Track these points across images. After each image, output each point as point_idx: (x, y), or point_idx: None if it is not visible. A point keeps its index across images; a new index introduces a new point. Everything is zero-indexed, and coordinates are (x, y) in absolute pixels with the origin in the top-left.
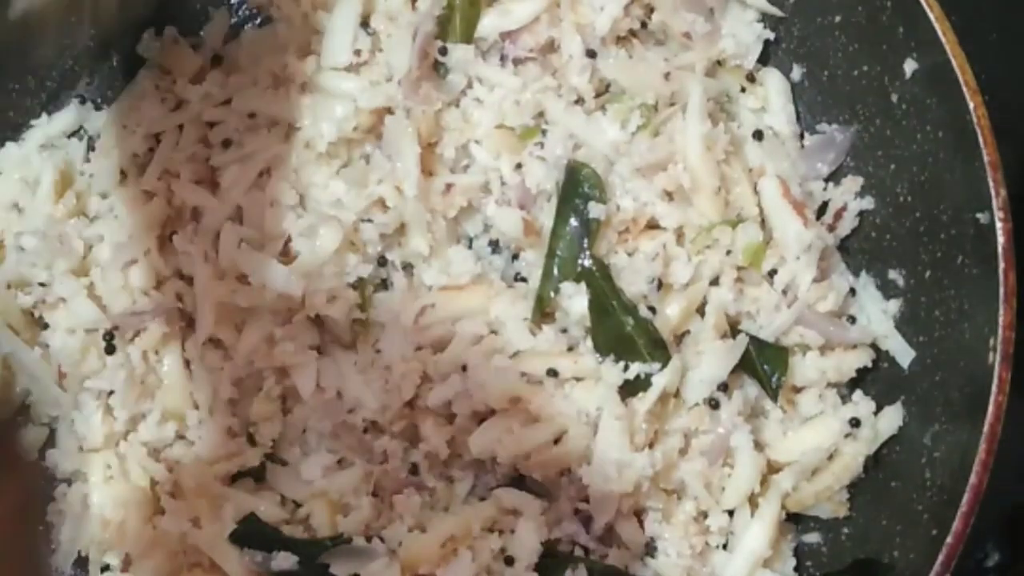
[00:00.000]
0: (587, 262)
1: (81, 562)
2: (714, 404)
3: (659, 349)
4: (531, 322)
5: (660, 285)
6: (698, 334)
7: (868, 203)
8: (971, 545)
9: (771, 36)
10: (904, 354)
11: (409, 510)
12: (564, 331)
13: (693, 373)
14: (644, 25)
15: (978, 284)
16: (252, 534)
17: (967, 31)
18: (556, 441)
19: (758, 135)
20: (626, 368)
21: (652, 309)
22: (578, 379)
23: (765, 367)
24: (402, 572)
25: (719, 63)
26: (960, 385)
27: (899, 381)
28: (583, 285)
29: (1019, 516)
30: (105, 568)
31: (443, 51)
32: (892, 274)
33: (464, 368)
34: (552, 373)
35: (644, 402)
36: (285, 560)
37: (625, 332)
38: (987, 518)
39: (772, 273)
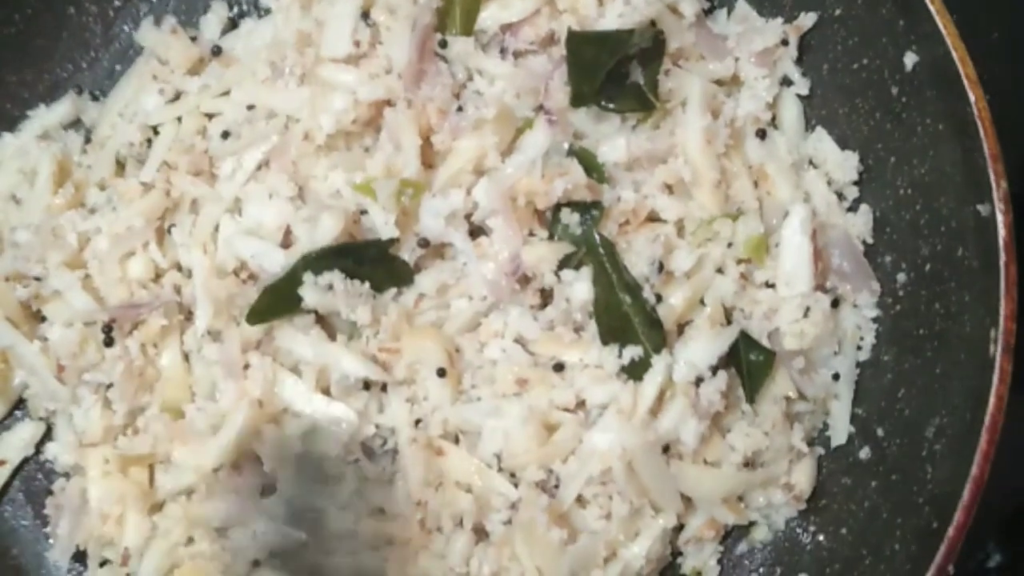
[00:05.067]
0: (595, 237)
1: (79, 556)
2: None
3: (656, 331)
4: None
5: (661, 267)
6: (697, 322)
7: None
8: (973, 546)
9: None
10: (840, 431)
11: None
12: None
13: (681, 355)
14: None
15: (979, 276)
16: None
17: (969, 30)
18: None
19: (761, 134)
20: (621, 354)
21: (658, 297)
22: (584, 366)
23: (750, 366)
24: None
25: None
26: (962, 377)
27: (900, 375)
28: (584, 271)
29: (1020, 517)
30: (104, 562)
31: (443, 44)
32: (892, 267)
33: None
34: (559, 368)
35: (644, 399)
36: None
37: (622, 311)
38: (988, 519)
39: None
